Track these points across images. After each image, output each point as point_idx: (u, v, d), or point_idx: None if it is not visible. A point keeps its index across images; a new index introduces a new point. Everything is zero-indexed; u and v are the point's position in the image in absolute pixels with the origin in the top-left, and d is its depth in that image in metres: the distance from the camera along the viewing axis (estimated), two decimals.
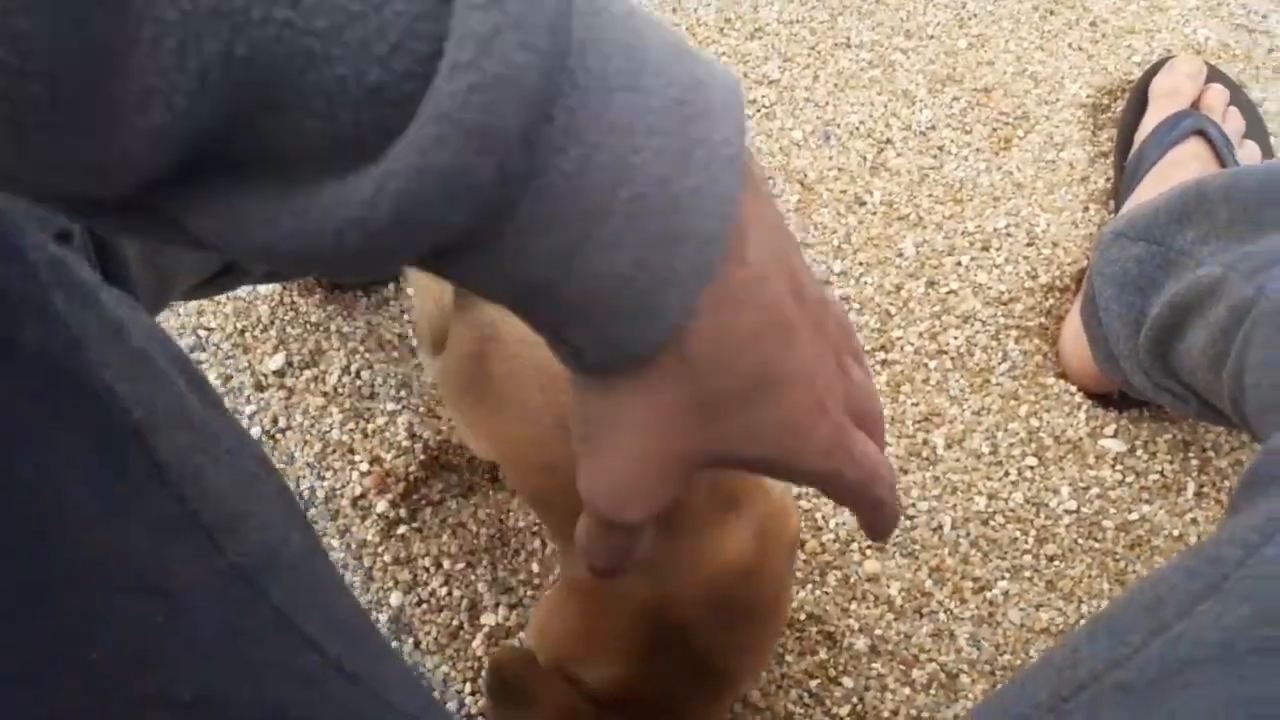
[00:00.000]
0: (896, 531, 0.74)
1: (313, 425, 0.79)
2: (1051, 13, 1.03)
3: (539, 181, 0.23)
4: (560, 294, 0.25)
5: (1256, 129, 0.91)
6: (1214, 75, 0.92)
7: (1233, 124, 0.89)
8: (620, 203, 0.24)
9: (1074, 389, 0.81)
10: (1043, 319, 0.84)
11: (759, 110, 0.98)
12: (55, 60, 0.18)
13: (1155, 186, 0.84)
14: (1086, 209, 0.90)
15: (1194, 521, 0.74)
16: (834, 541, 0.74)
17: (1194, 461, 0.77)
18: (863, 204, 0.91)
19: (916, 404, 0.81)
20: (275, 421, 0.79)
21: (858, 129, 0.96)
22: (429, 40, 0.20)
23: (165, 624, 0.31)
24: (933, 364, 0.82)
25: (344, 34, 0.20)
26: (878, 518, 0.36)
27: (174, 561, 0.32)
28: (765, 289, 0.28)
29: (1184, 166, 0.84)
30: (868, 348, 0.83)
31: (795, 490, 0.76)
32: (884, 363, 0.82)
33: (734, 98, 0.26)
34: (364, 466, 0.77)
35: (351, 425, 0.79)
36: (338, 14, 0.19)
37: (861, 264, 0.88)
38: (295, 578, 0.36)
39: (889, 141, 0.95)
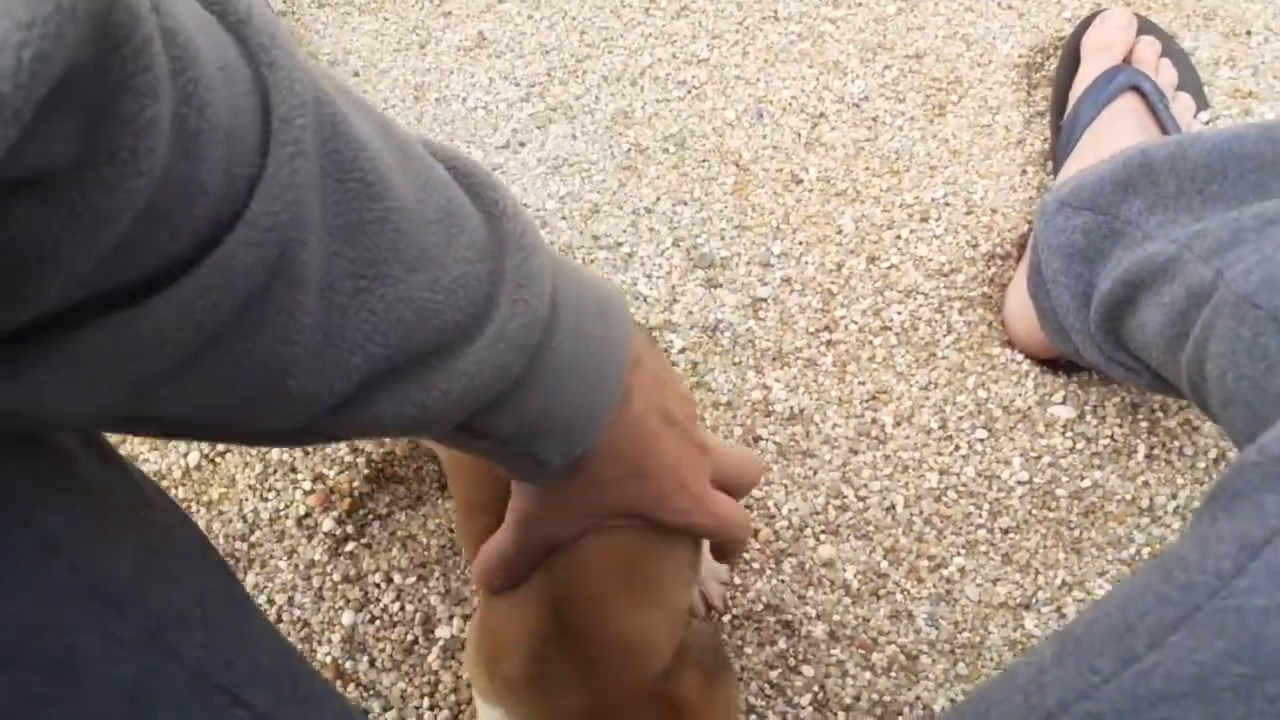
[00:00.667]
0: (850, 514, 0.73)
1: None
2: None
3: (539, 364, 0.39)
4: (544, 422, 0.41)
5: (1189, 79, 0.90)
6: (1145, 27, 0.91)
7: (1165, 76, 0.88)
8: (576, 368, 0.41)
9: (1021, 358, 0.80)
10: (985, 288, 0.83)
11: (690, 91, 0.96)
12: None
13: (1092, 146, 0.83)
14: (1024, 172, 0.89)
15: (1146, 484, 0.74)
16: (787, 528, 0.73)
17: (1143, 424, 0.76)
18: (799, 181, 0.90)
19: (863, 383, 0.79)
20: (214, 445, 0.77)
21: (790, 104, 0.94)
22: (490, 298, 0.36)
23: (67, 696, 0.30)
24: (878, 341, 0.81)
25: (453, 298, 0.34)
26: (730, 551, 0.53)
27: (72, 633, 0.31)
28: (642, 421, 0.45)
29: (1120, 124, 0.83)
30: (811, 329, 0.82)
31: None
32: (829, 343, 0.81)
33: (623, 303, 0.45)
34: (307, 485, 0.75)
35: None
36: (451, 293, 0.34)
37: (801, 243, 0.86)
38: (213, 633, 0.35)
39: (823, 115, 0.93)
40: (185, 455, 0.76)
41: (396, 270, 0.32)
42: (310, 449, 0.78)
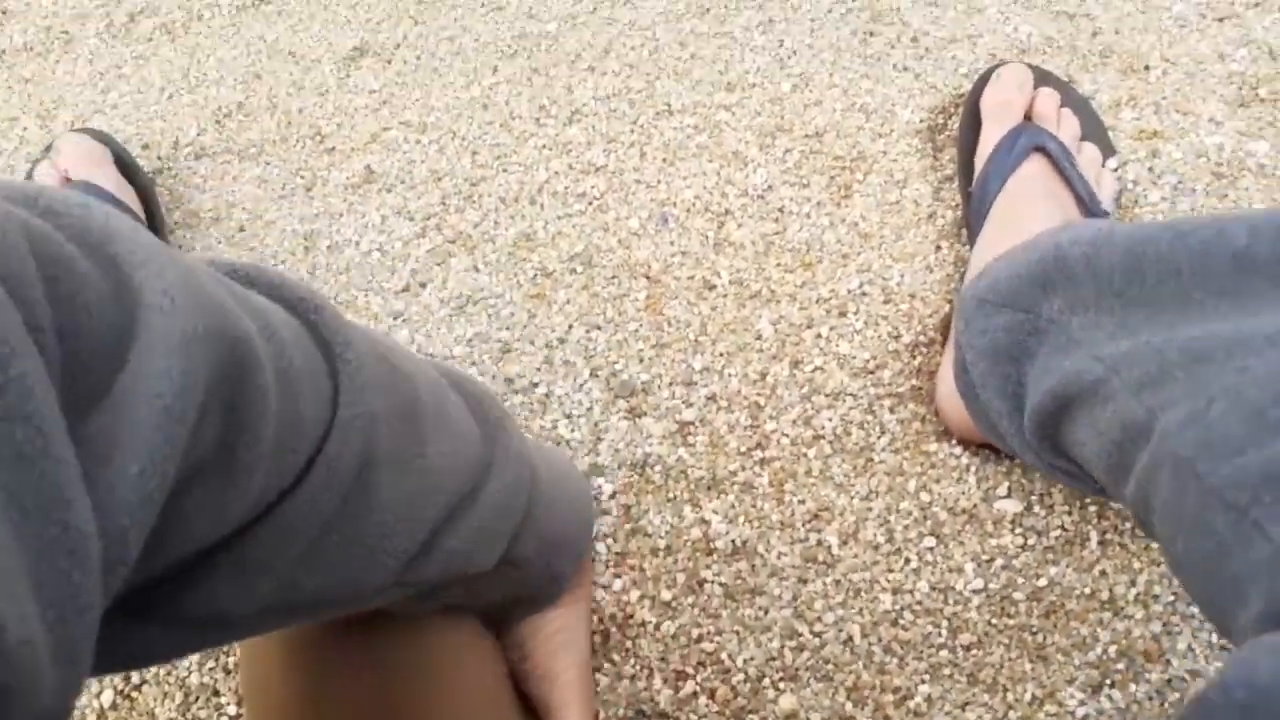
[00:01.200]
0: (808, 654, 0.70)
1: (169, 673, 0.72)
2: (871, 34, 0.99)
3: (536, 496, 0.55)
4: (554, 540, 0.60)
5: (1093, 127, 0.88)
6: (1042, 78, 0.89)
7: (1068, 128, 0.86)
8: (562, 499, 0.63)
9: (959, 450, 0.77)
10: (914, 380, 0.81)
11: (591, 203, 0.92)
12: None
13: (1005, 218, 0.80)
14: (938, 248, 0.86)
15: (1103, 574, 0.72)
16: (744, 681, 0.70)
17: (1092, 509, 0.74)
18: (712, 287, 0.87)
19: (803, 501, 0.77)
20: (128, 679, 0.72)
21: (694, 204, 0.91)
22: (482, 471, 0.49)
23: None
24: (811, 452, 0.78)
25: (451, 478, 0.46)
26: None
27: None
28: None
29: (1029, 190, 0.81)
30: (743, 449, 0.79)
31: (695, 632, 0.72)
32: (763, 462, 0.78)
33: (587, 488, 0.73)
34: (232, 710, 0.71)
35: (211, 664, 0.72)
36: (453, 470, 0.46)
37: (722, 355, 0.83)
38: None
39: (728, 212, 0.90)
40: (99, 695, 0.72)
41: (431, 444, 0.44)
42: (230, 667, 0.74)
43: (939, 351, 0.82)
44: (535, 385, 0.83)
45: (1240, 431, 0.41)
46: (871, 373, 0.81)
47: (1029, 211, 0.79)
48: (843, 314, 0.84)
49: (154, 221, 0.91)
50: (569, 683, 0.67)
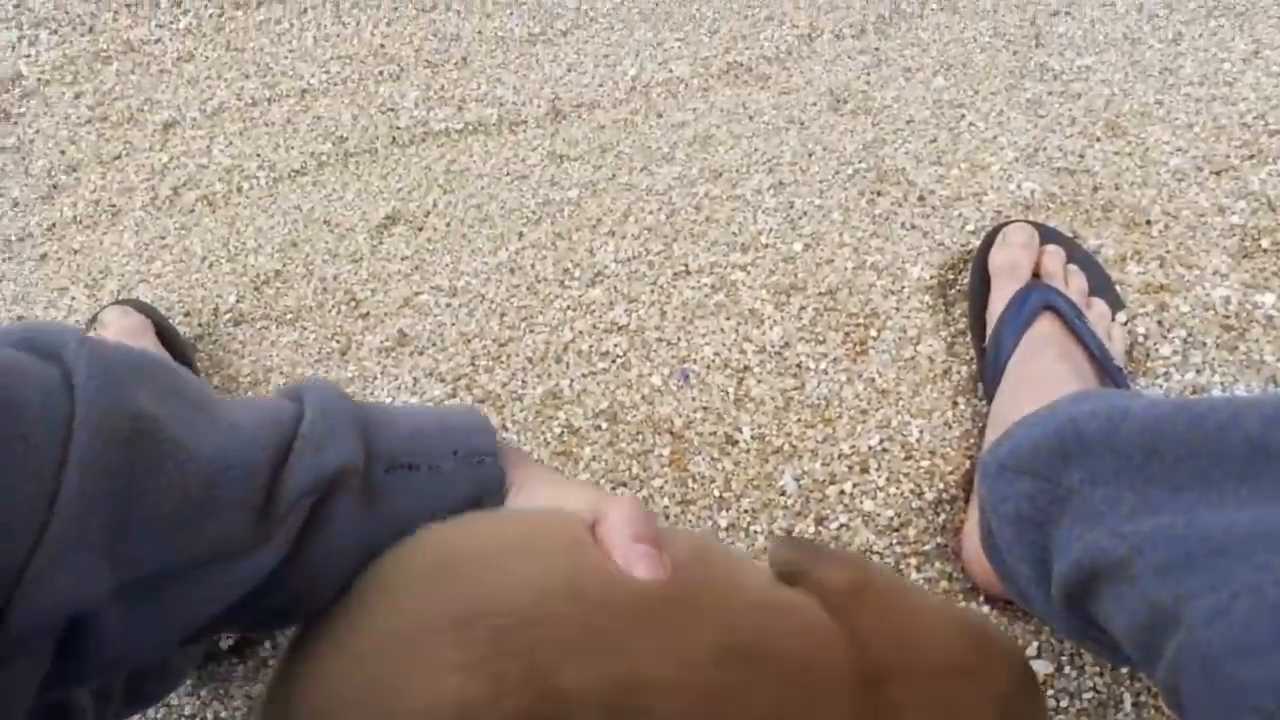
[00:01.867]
0: None
1: None
2: (878, 194, 1.03)
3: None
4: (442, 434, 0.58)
5: (1100, 282, 0.91)
6: (1047, 235, 0.93)
7: (1075, 285, 0.89)
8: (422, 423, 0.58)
9: (987, 608, 0.78)
10: (939, 538, 0.81)
11: (614, 361, 0.95)
12: None
13: (1020, 378, 0.82)
14: (955, 403, 0.88)
15: None
16: None
17: (1124, 670, 0.73)
18: (735, 443, 0.89)
19: None
20: None
21: (714, 361, 0.94)
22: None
23: None
24: None
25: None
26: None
27: None
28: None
29: (1043, 349, 0.83)
30: None
31: None
32: None
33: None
34: None
35: None
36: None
37: (747, 511, 0.85)
38: None
39: (747, 369, 0.93)
40: None
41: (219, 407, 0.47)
42: None
43: (963, 509, 0.83)
44: None
45: (1265, 633, 0.42)
46: (897, 530, 0.82)
47: (1044, 371, 0.81)
48: (865, 470, 0.85)
49: None
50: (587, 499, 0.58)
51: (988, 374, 0.86)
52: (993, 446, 0.74)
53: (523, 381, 0.96)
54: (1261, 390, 0.84)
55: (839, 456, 0.87)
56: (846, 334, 0.94)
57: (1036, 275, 0.90)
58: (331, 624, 0.48)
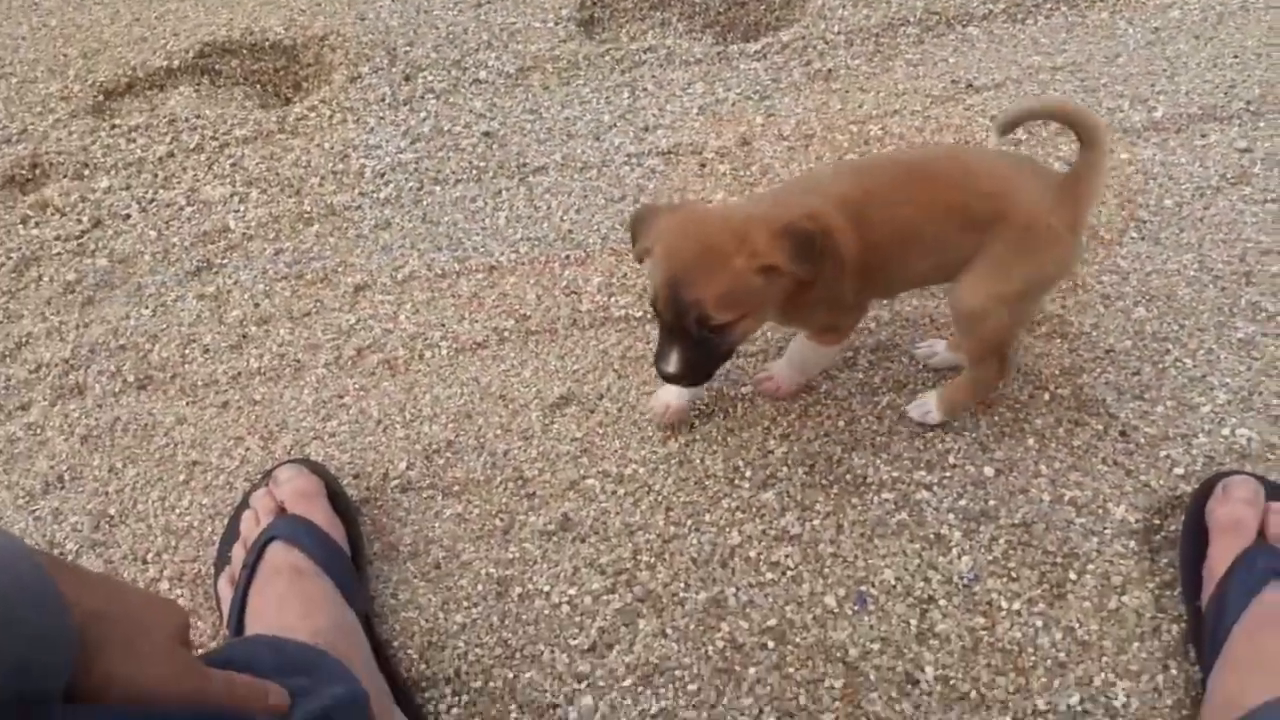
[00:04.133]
0: None
1: None
2: (1077, 424, 0.98)
3: None
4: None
5: None
6: (1273, 491, 0.85)
7: None
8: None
9: None
10: None
11: (784, 574, 0.90)
12: None
13: (1250, 652, 0.74)
14: (1166, 667, 0.80)
15: None
16: None
17: None
18: (915, 683, 0.82)
19: None
20: None
21: (894, 587, 0.88)
22: None
23: None
24: None
25: None
26: None
27: None
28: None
29: (1275, 621, 0.75)
30: None
31: None
32: None
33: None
34: None
35: None
36: None
37: None
38: None
39: (931, 599, 0.87)
40: None
41: None
42: None
43: None
44: None
45: None
46: None
47: (1277, 648, 0.73)
48: None
49: (357, 554, 0.93)
50: None
51: (1206, 639, 0.78)
52: None
53: (685, 584, 0.91)
54: None
55: (1033, 713, 0.79)
56: (1043, 573, 0.87)
57: (1261, 535, 0.82)
58: None
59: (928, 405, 0.99)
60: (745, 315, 0.81)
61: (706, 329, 0.80)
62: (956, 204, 0.82)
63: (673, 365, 0.81)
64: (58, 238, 1.31)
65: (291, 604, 0.78)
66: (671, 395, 1.00)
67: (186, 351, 1.17)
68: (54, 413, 1.12)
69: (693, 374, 0.83)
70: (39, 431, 1.11)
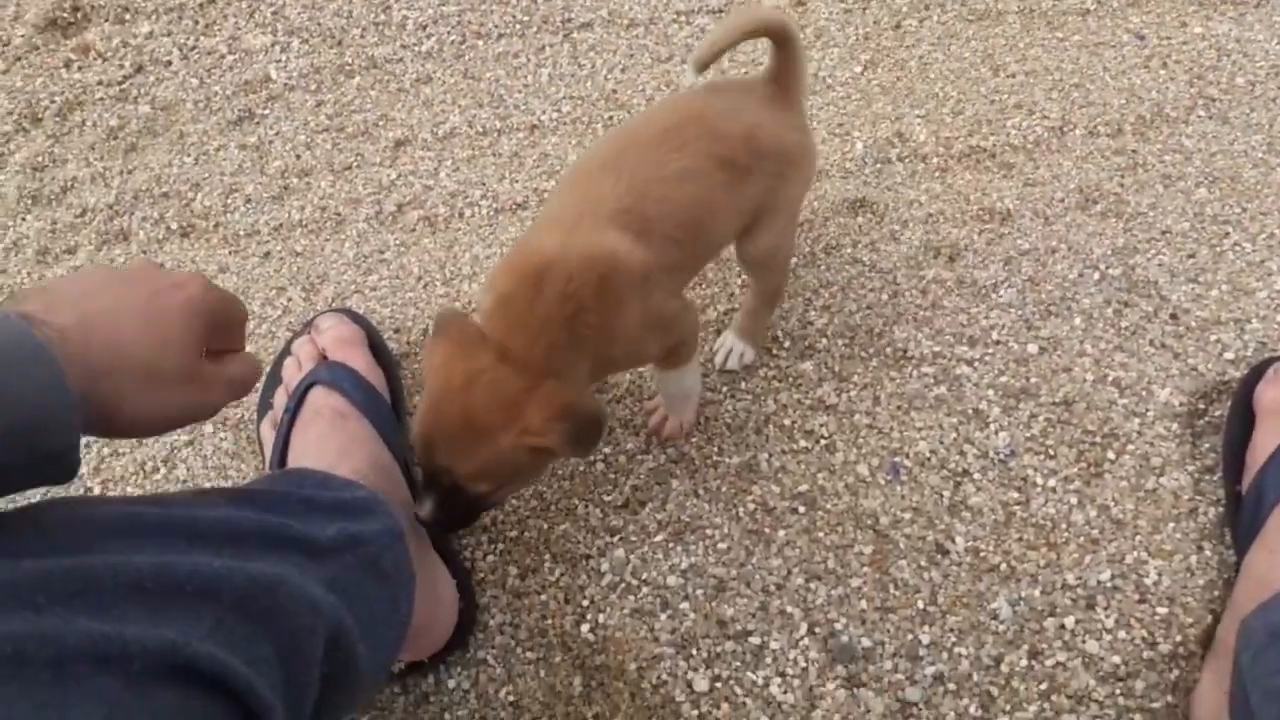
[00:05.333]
0: None
1: None
2: (1126, 305, 0.95)
3: None
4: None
5: None
6: None
7: None
8: None
9: None
10: (1169, 696, 0.73)
11: (818, 442, 0.90)
12: None
13: None
14: (1200, 548, 0.80)
15: None
16: None
17: None
18: (945, 553, 0.82)
19: None
20: None
21: (928, 459, 0.88)
22: None
23: None
24: None
25: None
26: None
27: None
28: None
29: None
30: None
31: None
32: None
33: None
34: None
35: None
36: None
37: (952, 630, 0.78)
38: None
39: (965, 473, 0.87)
40: None
41: None
42: None
43: (1198, 667, 0.74)
44: (749, 633, 0.79)
45: None
46: (1122, 680, 0.74)
47: None
48: (1090, 607, 0.78)
49: (396, 404, 0.94)
50: None
51: (1243, 522, 0.78)
52: (1263, 610, 0.66)
53: (719, 448, 0.92)
54: None
55: (1062, 587, 0.79)
56: (1081, 452, 0.86)
57: None
58: None
59: (733, 347, 0.95)
60: (507, 483, 0.73)
61: (462, 493, 0.71)
62: (724, 159, 0.77)
63: (426, 512, 0.72)
64: (100, 83, 1.30)
65: (331, 443, 0.80)
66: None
67: (229, 201, 1.17)
68: (100, 257, 1.13)
69: (449, 523, 0.76)
70: None
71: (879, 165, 1.11)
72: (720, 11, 1.30)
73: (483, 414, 0.67)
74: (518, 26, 1.32)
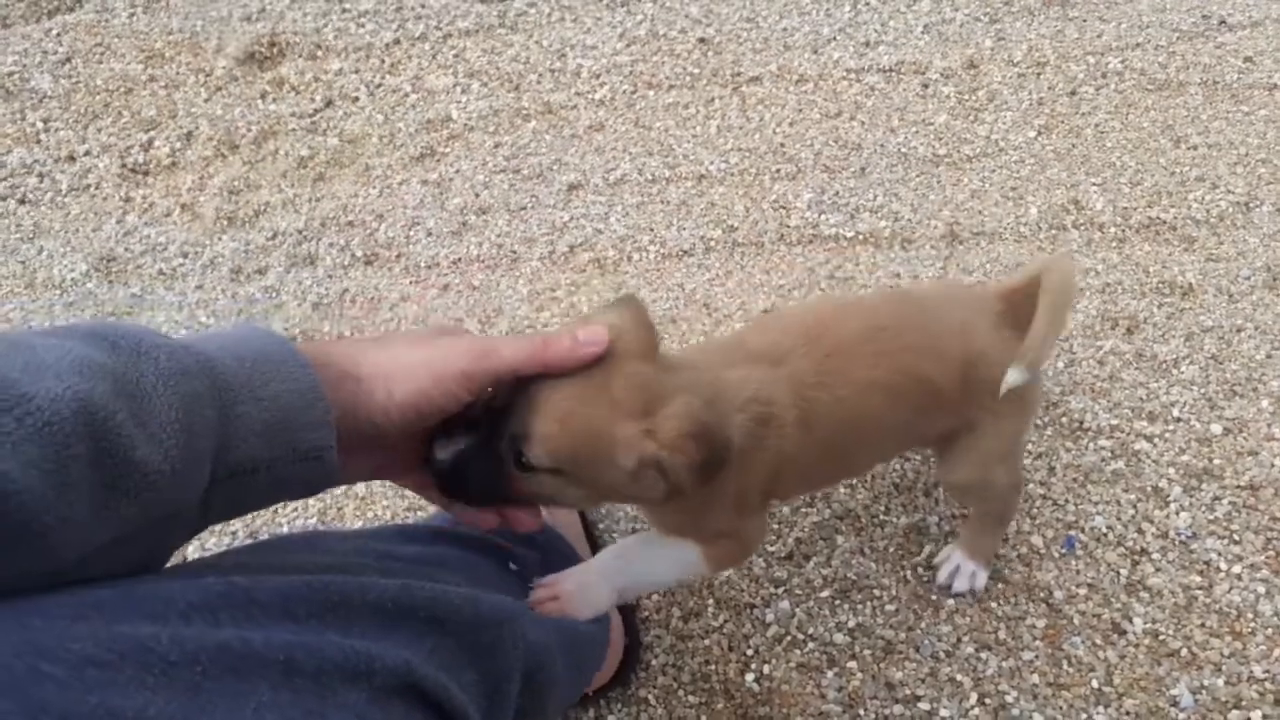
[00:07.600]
0: None
1: None
2: None
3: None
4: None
5: None
6: None
7: None
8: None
9: None
10: None
11: None
12: None
13: None
14: None
15: None
16: None
17: None
18: (1122, 633, 0.81)
19: None
20: None
21: (1105, 535, 0.86)
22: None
23: None
24: None
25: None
26: None
27: None
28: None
29: None
30: None
31: None
32: None
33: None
34: None
35: None
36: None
37: (1130, 714, 0.76)
38: None
39: (1144, 552, 0.85)
40: None
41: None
42: None
43: None
44: (918, 698, 0.79)
45: None
46: None
47: None
48: (1279, 702, 0.75)
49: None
50: None
51: None
52: None
53: (886, 507, 0.92)
54: None
55: (1249, 679, 0.77)
56: (1269, 539, 0.84)
57: None
58: None
59: (960, 566, 0.84)
60: (574, 484, 0.59)
61: (515, 458, 0.58)
62: (928, 383, 0.69)
63: (446, 453, 0.58)
64: (293, 114, 1.38)
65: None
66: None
67: (411, 233, 1.23)
68: (288, 279, 1.20)
69: (457, 483, 0.60)
70: (275, 295, 1.18)
71: (1054, 231, 1.10)
72: (890, 71, 1.31)
73: (614, 389, 0.56)
74: (688, 78, 1.35)
